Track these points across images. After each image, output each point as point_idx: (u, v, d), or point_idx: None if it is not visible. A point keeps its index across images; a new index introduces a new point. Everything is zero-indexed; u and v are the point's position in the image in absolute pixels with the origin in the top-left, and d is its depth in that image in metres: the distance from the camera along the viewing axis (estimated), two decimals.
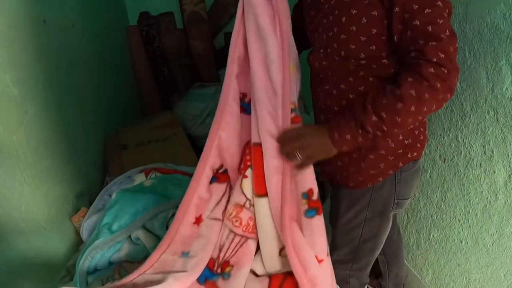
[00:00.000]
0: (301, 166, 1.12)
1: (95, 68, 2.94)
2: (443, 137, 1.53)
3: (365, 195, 1.27)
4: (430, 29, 0.95)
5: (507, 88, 1.17)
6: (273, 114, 1.12)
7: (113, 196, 1.74)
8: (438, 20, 0.95)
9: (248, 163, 1.22)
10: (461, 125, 1.42)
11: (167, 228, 1.54)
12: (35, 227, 1.54)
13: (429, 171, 1.65)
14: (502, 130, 1.23)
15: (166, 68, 4.53)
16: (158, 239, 1.53)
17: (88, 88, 2.65)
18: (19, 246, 1.43)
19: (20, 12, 1.77)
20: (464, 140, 1.42)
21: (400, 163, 1.22)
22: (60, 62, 2.18)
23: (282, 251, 1.18)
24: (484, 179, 1.37)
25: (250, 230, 1.21)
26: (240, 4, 1.17)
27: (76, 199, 1.93)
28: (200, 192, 1.27)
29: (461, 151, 1.44)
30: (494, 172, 1.32)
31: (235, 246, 1.22)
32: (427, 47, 0.95)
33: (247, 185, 1.21)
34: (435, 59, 0.95)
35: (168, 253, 1.23)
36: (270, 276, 1.19)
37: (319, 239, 1.10)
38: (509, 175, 1.26)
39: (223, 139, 1.27)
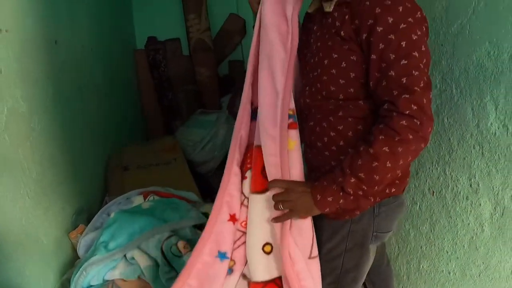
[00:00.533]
0: (279, 219, 1.20)
1: (102, 89, 3.04)
2: (432, 170, 1.58)
3: (345, 226, 1.29)
4: (404, 81, 1.00)
5: (491, 124, 1.23)
6: (274, 118, 1.21)
7: (112, 215, 1.80)
8: (413, 71, 1.00)
9: (248, 166, 1.31)
10: (448, 159, 1.47)
11: (161, 250, 1.60)
12: (33, 240, 1.59)
13: (418, 203, 1.69)
14: (487, 164, 1.29)
15: (170, 92, 4.64)
16: (152, 259, 1.58)
17: (94, 107, 2.73)
18: (17, 257, 1.47)
19: (34, 31, 1.87)
20: (452, 174, 1.47)
21: (378, 199, 1.25)
22: (69, 81, 2.26)
23: (265, 247, 1.25)
24: (471, 211, 1.42)
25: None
26: (257, 21, 1.28)
27: (75, 215, 1.98)
28: (231, 189, 1.32)
29: (448, 184, 1.49)
30: (480, 204, 1.36)
31: (237, 241, 1.30)
32: (400, 99, 1.00)
33: (246, 185, 1.30)
34: (407, 112, 0.99)
35: (206, 254, 1.28)
36: (249, 284, 1.27)
37: (303, 241, 1.20)
38: (494, 208, 1.31)
39: (243, 138, 1.36)
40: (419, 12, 1.04)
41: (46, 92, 1.90)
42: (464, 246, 1.49)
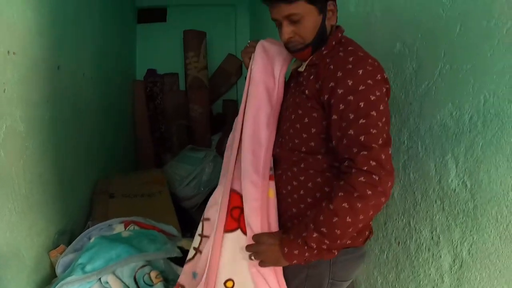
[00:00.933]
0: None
1: (98, 116, 3.15)
2: (398, 222, 1.67)
3: (303, 271, 1.34)
4: (362, 139, 1.07)
5: (452, 180, 1.33)
6: (257, 166, 1.31)
7: (92, 240, 1.87)
8: (371, 130, 1.08)
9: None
10: (413, 211, 1.56)
11: (134, 279, 1.67)
12: (15, 254, 1.64)
13: (385, 252, 1.77)
14: (447, 218, 1.38)
15: (164, 125, 4.77)
16: (124, 286, 1.64)
17: (88, 133, 2.83)
18: None
19: (39, 56, 2.00)
20: (415, 226, 1.55)
21: (334, 250, 1.29)
22: (67, 105, 2.38)
23: (227, 282, 1.32)
24: (432, 262, 1.49)
25: None
26: (248, 74, 1.41)
27: (57, 235, 2.04)
28: None
29: (412, 235, 1.57)
30: (441, 256, 1.44)
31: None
32: (358, 156, 1.07)
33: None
34: (365, 168, 1.06)
35: None
36: None
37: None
38: (454, 260, 1.38)
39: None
40: (379, 75, 1.14)
41: (44, 114, 2.01)
42: None
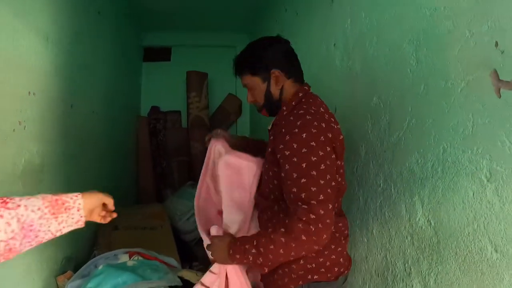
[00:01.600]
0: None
1: (105, 151, 3.37)
2: (377, 255, 1.83)
3: None
4: (303, 196, 1.26)
5: (419, 219, 1.50)
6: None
7: (100, 267, 2.05)
8: (311, 188, 1.25)
9: None
10: (388, 246, 1.73)
11: None
12: (26, 277, 1.81)
13: (367, 283, 1.91)
14: (416, 252, 1.54)
15: (165, 161, 4.89)
16: None
17: (96, 167, 3.03)
18: None
19: (54, 96, 2.23)
20: (391, 259, 1.72)
21: (300, 282, 1.47)
22: (77, 141, 2.60)
23: None
24: None
25: None
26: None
27: (64, 261, 2.20)
28: None
29: (389, 267, 1.73)
30: (412, 286, 1.59)
31: None
32: (300, 208, 1.26)
33: None
34: (304, 218, 1.24)
35: None
36: None
37: None
38: None
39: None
40: (323, 136, 1.30)
41: (57, 149, 2.22)
42: None
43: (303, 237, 1.25)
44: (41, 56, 2.06)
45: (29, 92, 1.92)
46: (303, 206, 1.26)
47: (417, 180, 1.52)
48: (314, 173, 1.27)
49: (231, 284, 1.50)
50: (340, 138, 1.41)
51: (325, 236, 1.26)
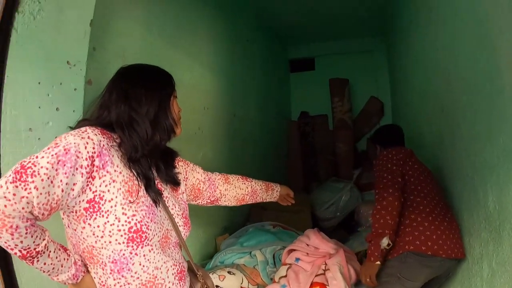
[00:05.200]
0: None
1: (260, 148, 4.15)
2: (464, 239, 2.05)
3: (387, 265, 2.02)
4: None
5: (489, 204, 1.69)
6: None
7: (250, 229, 2.79)
8: None
9: None
10: (472, 231, 1.95)
11: (273, 256, 2.47)
12: (195, 236, 2.62)
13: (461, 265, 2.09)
14: (487, 235, 1.70)
15: (313, 159, 5.48)
16: (265, 259, 2.46)
17: (253, 160, 3.84)
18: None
19: (222, 108, 3.08)
20: (472, 243, 1.94)
21: (401, 251, 1.97)
22: (239, 140, 3.41)
23: None
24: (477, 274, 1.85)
25: None
26: None
27: (223, 228, 3.02)
28: None
29: (469, 250, 1.97)
30: (482, 267, 1.79)
31: None
32: None
33: None
34: None
35: None
36: None
37: None
38: (488, 271, 1.74)
39: None
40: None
41: (224, 148, 3.04)
42: None
43: None
44: (210, 81, 2.91)
45: (204, 107, 2.76)
46: None
47: (489, 168, 1.71)
48: None
49: None
50: None
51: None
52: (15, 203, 0.89)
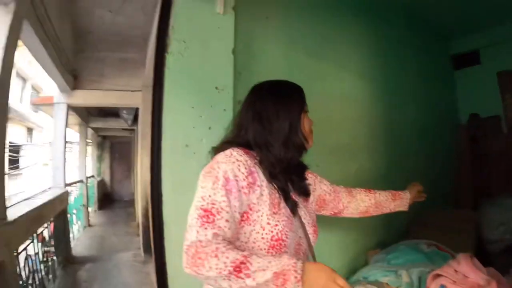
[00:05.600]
0: None
1: (423, 155, 3.95)
2: None
3: None
4: None
5: None
6: None
7: (401, 246, 2.68)
8: None
9: None
10: None
11: (419, 278, 2.30)
12: (339, 249, 2.61)
13: None
14: None
15: (486, 169, 4.79)
16: (411, 281, 2.31)
17: (415, 168, 3.65)
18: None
19: (377, 116, 3.07)
20: None
21: None
22: (399, 150, 3.35)
23: None
24: None
25: None
26: None
27: (375, 243, 2.96)
28: None
29: None
30: None
31: None
32: None
33: None
34: None
35: None
36: None
37: None
38: None
39: None
40: None
41: (382, 159, 3.01)
42: None
43: None
44: (360, 90, 2.86)
45: (357, 116, 2.77)
46: None
47: None
48: None
49: None
50: None
51: None
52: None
